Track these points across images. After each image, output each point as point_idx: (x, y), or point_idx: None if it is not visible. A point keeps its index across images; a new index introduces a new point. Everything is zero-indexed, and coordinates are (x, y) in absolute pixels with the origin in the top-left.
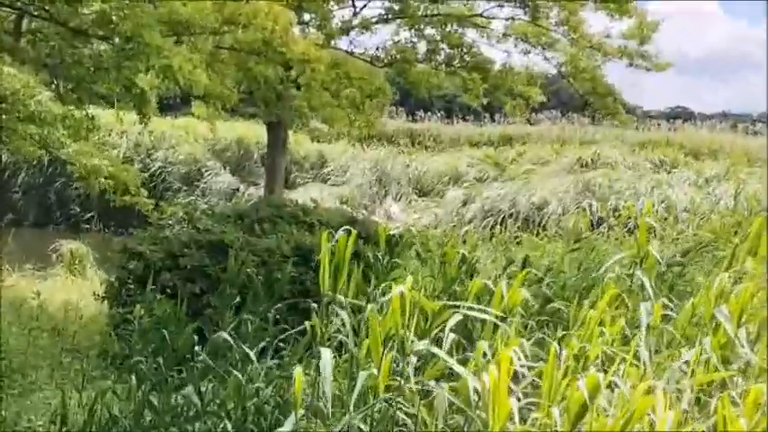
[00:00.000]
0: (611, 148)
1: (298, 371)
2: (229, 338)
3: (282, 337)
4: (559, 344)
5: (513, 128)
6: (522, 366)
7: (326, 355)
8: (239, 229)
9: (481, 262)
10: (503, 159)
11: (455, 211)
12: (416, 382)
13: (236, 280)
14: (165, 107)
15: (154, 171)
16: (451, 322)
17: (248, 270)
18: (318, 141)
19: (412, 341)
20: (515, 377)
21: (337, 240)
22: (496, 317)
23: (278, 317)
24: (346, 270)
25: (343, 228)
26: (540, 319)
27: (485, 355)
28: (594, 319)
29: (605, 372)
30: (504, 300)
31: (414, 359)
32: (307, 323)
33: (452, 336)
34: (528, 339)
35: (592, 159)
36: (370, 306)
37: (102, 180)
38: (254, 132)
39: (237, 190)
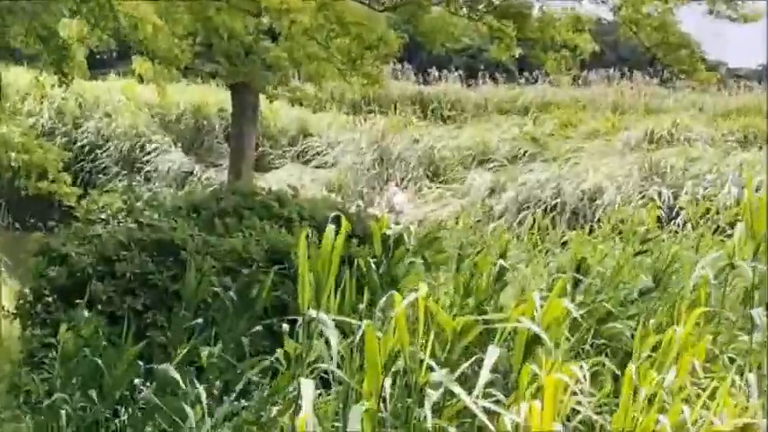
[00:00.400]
0: (686, 117)
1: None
2: (176, 374)
3: (257, 360)
4: (620, 372)
5: (556, 91)
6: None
7: (307, 388)
8: (194, 226)
9: (516, 268)
10: (542, 133)
11: (480, 201)
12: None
13: (191, 294)
14: (98, 64)
15: (82, 148)
16: (489, 360)
17: (208, 279)
18: (300, 105)
19: (426, 368)
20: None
21: (321, 240)
22: (535, 338)
23: (248, 337)
24: (333, 279)
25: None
26: (595, 342)
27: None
28: (676, 343)
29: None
30: (539, 312)
31: (433, 394)
32: (281, 349)
33: (488, 373)
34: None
35: (662, 133)
36: (366, 322)
37: (14, 155)
38: (215, 97)
39: (192, 173)
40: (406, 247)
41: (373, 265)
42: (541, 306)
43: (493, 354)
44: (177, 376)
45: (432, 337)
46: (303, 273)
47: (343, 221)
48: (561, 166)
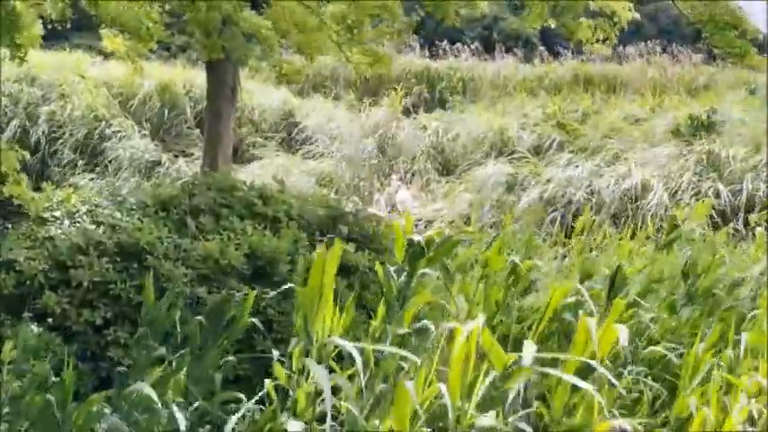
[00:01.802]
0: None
1: None
2: (152, 393)
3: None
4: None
5: (588, 68)
6: None
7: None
8: (163, 226)
9: (543, 275)
10: (572, 118)
11: (499, 198)
12: None
13: (158, 310)
14: (50, 35)
15: (37, 137)
16: None
17: (178, 291)
18: (287, 84)
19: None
20: None
21: (316, 249)
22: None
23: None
24: (330, 295)
25: (324, 224)
26: (635, 368)
27: None
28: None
29: None
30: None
31: None
32: (268, 381)
33: None
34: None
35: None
36: (383, 348)
37: None
38: (186, 76)
39: (160, 163)
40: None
41: (393, 275)
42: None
43: None
44: (153, 395)
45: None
46: (302, 291)
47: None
48: (595, 157)
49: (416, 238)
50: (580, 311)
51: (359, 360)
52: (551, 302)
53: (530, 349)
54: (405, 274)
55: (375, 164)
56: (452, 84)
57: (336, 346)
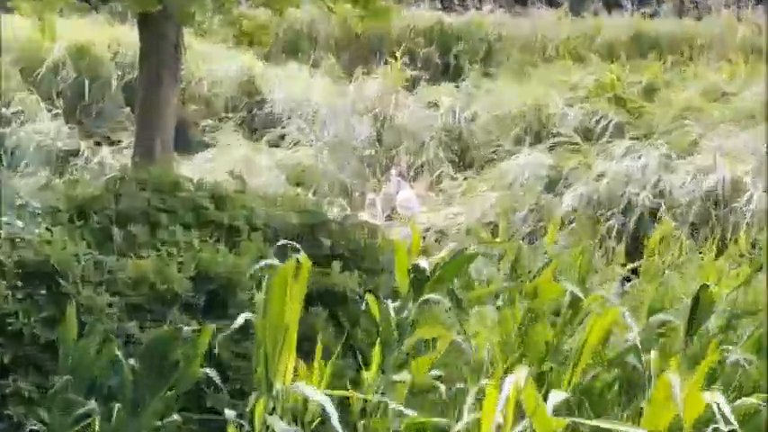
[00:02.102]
0: None
1: None
2: None
3: None
4: None
5: (656, 25)
6: None
7: None
8: (80, 238)
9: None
10: (635, 90)
11: (534, 202)
12: None
13: (82, 351)
14: None
15: None
16: None
17: (104, 327)
18: (249, 46)
19: None
20: None
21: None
22: None
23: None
24: (293, 333)
25: (299, 235)
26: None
27: None
28: None
29: None
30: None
31: None
32: None
33: None
34: None
35: None
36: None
37: None
38: (111, 34)
39: (77, 153)
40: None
41: (391, 310)
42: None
43: None
44: None
45: None
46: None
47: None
48: (664, 144)
49: (422, 263)
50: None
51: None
52: (589, 337)
53: None
54: (409, 307)
55: (369, 155)
56: (472, 45)
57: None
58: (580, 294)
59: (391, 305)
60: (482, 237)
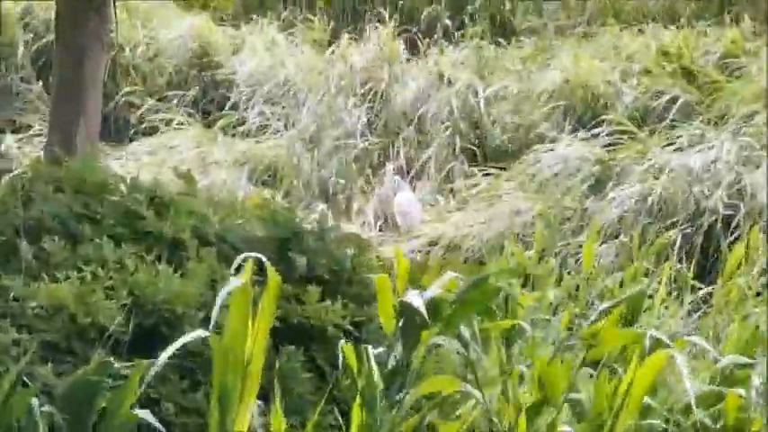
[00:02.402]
0: None
1: None
2: None
3: None
4: None
5: None
6: None
7: None
8: None
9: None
10: (708, 61)
11: (575, 208)
12: None
13: None
14: None
15: None
16: None
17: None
18: (202, 8)
19: None
20: None
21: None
22: None
23: None
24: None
25: (266, 252)
26: None
27: None
28: None
29: None
30: None
31: None
32: None
33: None
34: None
35: None
36: None
37: None
38: None
39: None
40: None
41: (372, 360)
42: None
43: None
44: None
45: None
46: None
47: None
48: (743, 131)
49: (414, 300)
50: None
51: None
52: (633, 393)
53: None
54: (397, 353)
55: (358, 148)
56: (493, 2)
57: None
58: (668, 342)
59: (372, 351)
60: (516, 253)
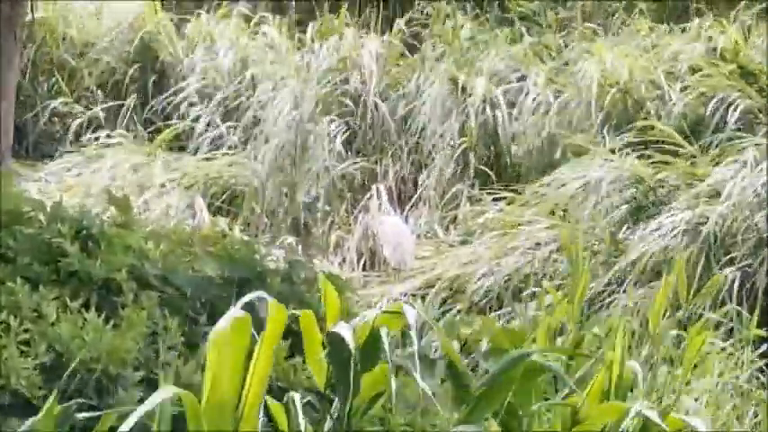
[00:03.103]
0: None
1: None
2: None
3: None
4: None
5: None
6: None
7: None
8: None
9: None
10: None
11: (609, 237)
12: None
13: None
14: None
15: None
16: None
17: None
18: None
19: None
20: None
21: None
22: None
23: None
24: None
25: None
26: None
27: None
28: None
29: None
30: None
31: None
32: None
33: None
34: None
35: None
36: None
37: None
38: None
39: None
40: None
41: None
42: None
43: None
44: None
45: None
46: None
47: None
48: None
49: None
50: None
51: None
52: None
53: None
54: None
55: (339, 167)
56: None
57: None
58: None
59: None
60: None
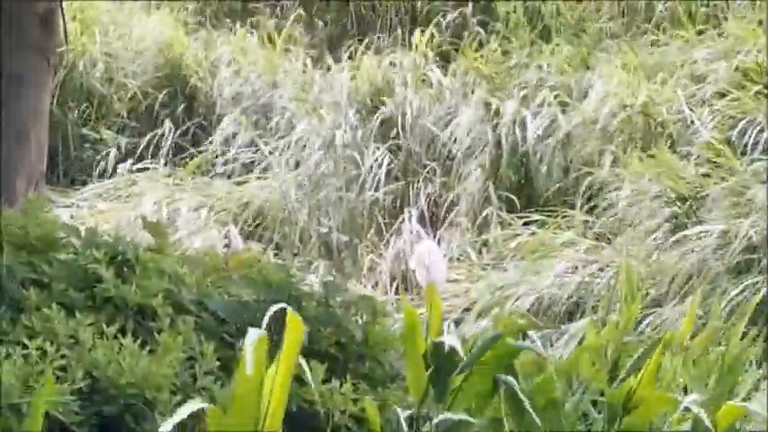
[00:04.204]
0: None
1: None
2: None
3: None
4: None
5: None
6: None
7: None
8: None
9: None
10: None
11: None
12: None
13: None
14: None
15: None
16: None
17: None
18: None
19: None
20: None
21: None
22: None
23: None
24: None
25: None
26: None
27: None
28: None
29: None
30: None
31: None
32: None
33: None
34: None
35: None
36: None
37: None
38: None
39: None
40: None
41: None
42: None
43: None
44: None
45: None
46: None
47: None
48: None
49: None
50: None
51: None
52: None
53: None
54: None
55: (369, 191)
56: (530, 5)
57: None
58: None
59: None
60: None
